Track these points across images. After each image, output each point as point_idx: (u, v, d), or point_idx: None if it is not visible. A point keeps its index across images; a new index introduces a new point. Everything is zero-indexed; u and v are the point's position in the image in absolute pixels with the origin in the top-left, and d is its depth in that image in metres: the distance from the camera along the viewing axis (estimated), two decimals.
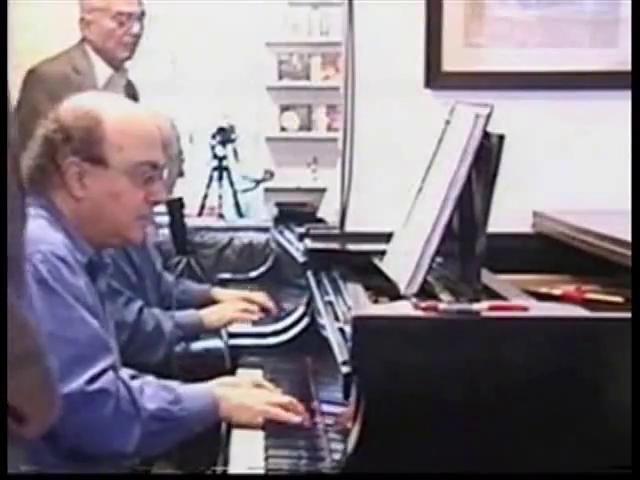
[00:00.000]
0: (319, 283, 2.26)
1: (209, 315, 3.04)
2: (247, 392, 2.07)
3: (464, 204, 1.80)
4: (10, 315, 1.55)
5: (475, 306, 1.62)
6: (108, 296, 2.91)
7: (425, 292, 1.80)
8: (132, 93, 4.00)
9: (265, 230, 4.41)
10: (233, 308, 3.06)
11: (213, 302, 3.14)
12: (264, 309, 3.09)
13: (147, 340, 2.88)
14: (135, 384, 1.99)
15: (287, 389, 2.14)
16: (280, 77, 7.30)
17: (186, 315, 3.04)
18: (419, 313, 1.61)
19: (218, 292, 3.23)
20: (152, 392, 1.99)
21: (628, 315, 1.59)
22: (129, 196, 2.08)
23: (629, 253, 1.87)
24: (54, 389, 1.71)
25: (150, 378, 2.05)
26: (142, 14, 4.01)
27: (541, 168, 2.67)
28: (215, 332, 3.03)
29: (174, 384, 2.05)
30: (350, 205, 2.57)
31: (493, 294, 1.85)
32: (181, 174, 3.27)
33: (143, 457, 2.18)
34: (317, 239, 2.44)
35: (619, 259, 1.96)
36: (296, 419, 1.97)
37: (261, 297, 3.16)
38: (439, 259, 1.88)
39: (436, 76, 2.70)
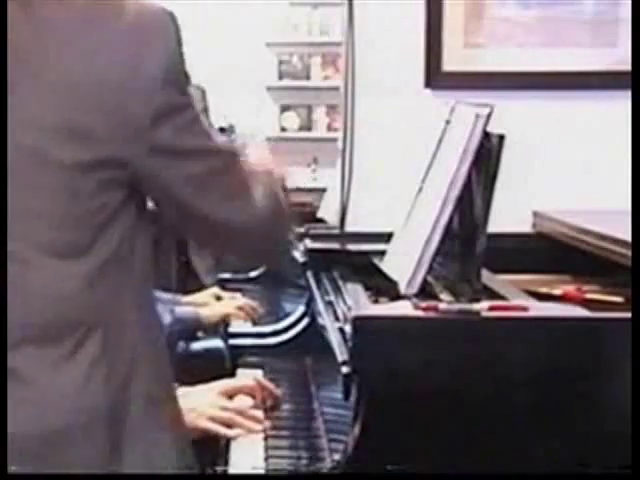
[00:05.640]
0: (319, 283, 2.25)
1: (205, 310, 3.09)
2: (192, 406, 1.94)
3: (464, 204, 1.80)
4: None
5: (475, 306, 1.62)
6: None
7: (425, 292, 1.80)
8: None
9: None
10: (230, 305, 3.11)
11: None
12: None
13: None
14: None
15: (287, 389, 2.14)
16: (280, 77, 7.31)
17: (184, 311, 3.08)
18: (419, 313, 1.61)
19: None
20: None
21: (628, 315, 1.59)
22: None
23: (629, 253, 1.87)
24: None
25: None
26: None
27: (541, 168, 2.66)
28: (215, 332, 3.03)
29: None
30: (350, 205, 2.57)
31: (493, 294, 1.85)
32: None
33: None
34: (317, 239, 2.44)
35: (619, 259, 1.95)
36: (232, 433, 1.91)
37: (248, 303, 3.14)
38: (439, 259, 1.88)
39: (436, 76, 2.70)
